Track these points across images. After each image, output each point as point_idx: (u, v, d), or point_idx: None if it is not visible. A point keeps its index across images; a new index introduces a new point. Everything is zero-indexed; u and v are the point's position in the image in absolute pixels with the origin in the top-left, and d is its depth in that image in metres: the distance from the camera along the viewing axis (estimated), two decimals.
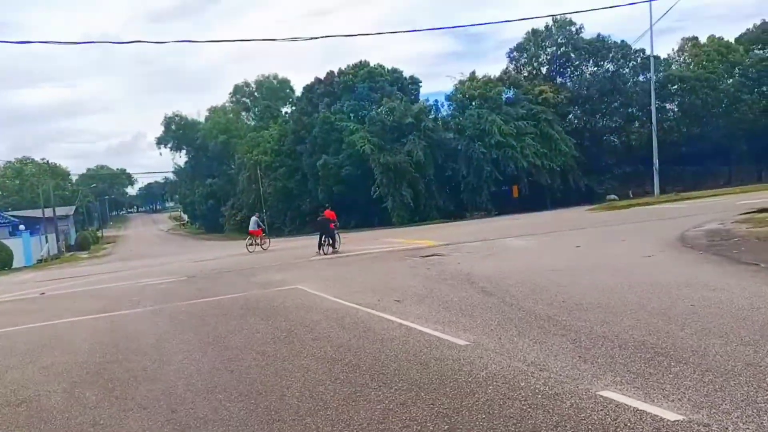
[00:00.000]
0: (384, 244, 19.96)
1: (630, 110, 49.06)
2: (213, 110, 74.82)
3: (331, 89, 49.23)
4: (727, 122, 49.30)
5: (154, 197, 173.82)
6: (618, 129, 48.89)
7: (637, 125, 49.85)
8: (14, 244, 38.25)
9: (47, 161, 51.74)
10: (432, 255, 14.28)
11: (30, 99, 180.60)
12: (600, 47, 47.24)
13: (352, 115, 47.13)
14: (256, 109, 70.43)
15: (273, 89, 72.41)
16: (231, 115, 71.30)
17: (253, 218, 27.44)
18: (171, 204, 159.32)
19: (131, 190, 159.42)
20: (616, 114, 48.89)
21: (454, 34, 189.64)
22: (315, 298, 9.29)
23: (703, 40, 56.13)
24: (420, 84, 50.30)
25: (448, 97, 45.25)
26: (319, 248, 19.79)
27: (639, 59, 48.15)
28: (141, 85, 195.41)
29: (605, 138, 50.00)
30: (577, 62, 49.56)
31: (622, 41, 48.63)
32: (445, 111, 46.43)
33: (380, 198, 44.06)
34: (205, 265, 18.37)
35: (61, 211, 60.17)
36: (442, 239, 19.08)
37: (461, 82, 45.52)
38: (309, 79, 53.94)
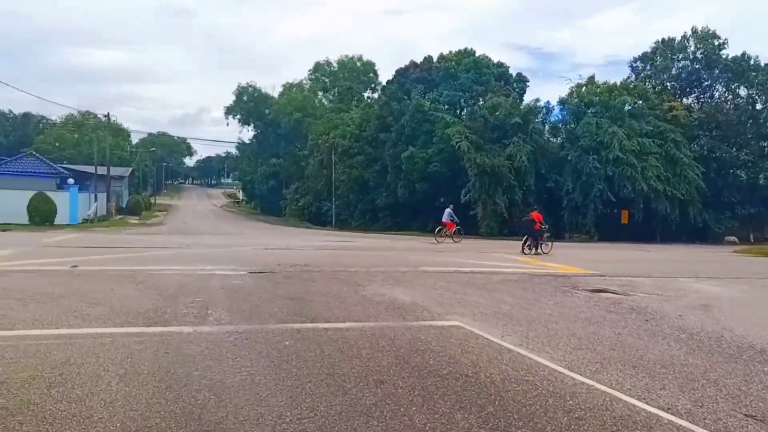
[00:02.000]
0: (506, 262, 16.56)
1: (763, 144, 44.04)
2: (288, 86, 73.22)
3: (428, 76, 46.14)
4: None
5: (210, 171, 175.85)
6: (747, 163, 43.80)
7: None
8: (60, 198, 35.94)
9: (108, 116, 50.13)
10: (600, 290, 10.94)
11: (98, 59, 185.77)
12: (744, 68, 42.34)
13: (448, 106, 43.89)
14: (335, 90, 68.20)
15: (356, 71, 70.07)
16: (308, 93, 69.41)
17: (447, 210, 29.33)
18: (227, 180, 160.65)
19: (189, 161, 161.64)
20: (748, 146, 43.86)
21: (528, 50, 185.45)
22: (507, 356, 5.59)
23: None
24: (527, 83, 46.53)
25: (561, 101, 41.37)
26: (523, 249, 20.77)
27: None
28: (210, 60, 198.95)
29: (732, 171, 45.03)
30: (708, 82, 44.81)
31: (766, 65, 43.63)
32: (554, 116, 42.58)
33: (468, 203, 40.73)
34: (280, 256, 15.08)
35: (116, 171, 59.12)
36: (576, 265, 15.76)
37: (578, 86, 41.62)
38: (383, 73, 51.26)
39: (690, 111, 40.70)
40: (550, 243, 22.04)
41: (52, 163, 43.83)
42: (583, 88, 40.68)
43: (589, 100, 39.27)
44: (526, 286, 11.32)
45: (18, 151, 51.96)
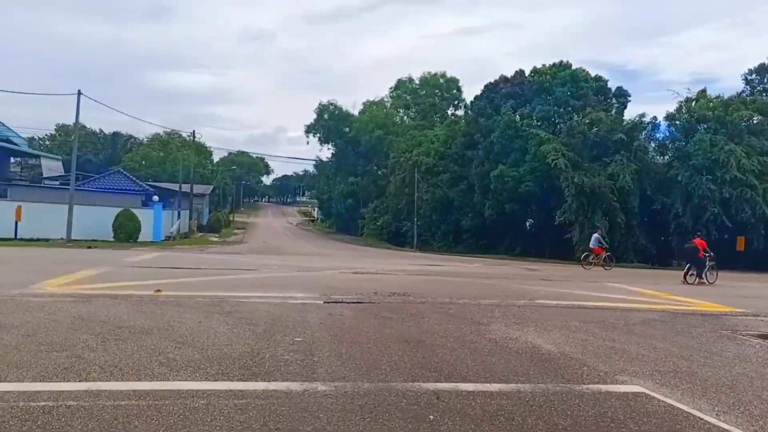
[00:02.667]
0: (627, 294, 14.41)
1: None
2: (369, 104, 73.05)
3: (518, 90, 44.21)
4: None
5: (286, 189, 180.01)
6: None
7: None
8: (144, 216, 36.33)
9: (194, 134, 51.14)
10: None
11: (183, 82, 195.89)
12: None
13: (541, 122, 41.72)
14: (417, 107, 67.24)
15: (438, 87, 68.98)
16: (389, 110, 68.91)
17: (595, 235, 28.33)
18: (303, 198, 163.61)
19: (266, 180, 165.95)
20: None
21: (609, 68, 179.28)
22: None
23: None
24: (629, 98, 43.52)
25: (669, 117, 38.22)
26: (684, 278, 20.55)
27: None
28: (287, 81, 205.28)
29: None
30: None
31: None
32: (660, 133, 39.43)
33: (562, 226, 38.26)
34: (374, 282, 13.67)
35: (198, 189, 60.54)
36: (706, 299, 13.47)
37: (688, 100, 38.41)
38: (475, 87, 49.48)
39: None
40: (715, 272, 21.03)
41: (138, 181, 45.03)
42: (694, 102, 37.40)
43: (702, 116, 36.01)
44: (679, 329, 9.35)
45: (107, 169, 54.09)
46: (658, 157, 38.64)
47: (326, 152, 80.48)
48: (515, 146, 40.31)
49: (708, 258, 20.90)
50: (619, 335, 8.35)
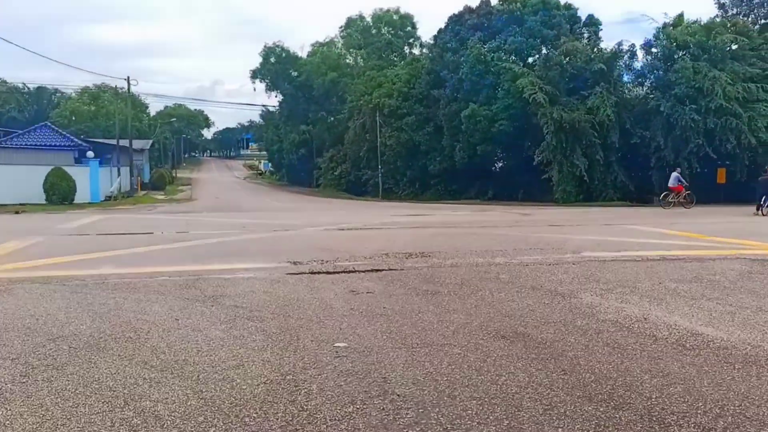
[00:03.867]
0: (666, 239, 12.56)
1: None
2: (318, 46, 68.79)
3: (486, 22, 41.50)
4: None
5: (230, 142, 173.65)
6: None
7: None
8: (79, 174, 32.79)
9: (129, 81, 46.34)
10: None
11: (109, 35, 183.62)
12: None
13: (514, 56, 39.29)
14: (371, 47, 63.50)
15: (393, 25, 65.33)
16: (341, 51, 65.11)
17: (674, 174, 28.11)
18: (248, 151, 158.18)
19: (207, 133, 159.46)
20: None
21: None
22: None
23: None
24: (600, 27, 41.50)
25: (648, 44, 36.35)
26: (758, 209, 21.82)
27: None
28: (223, 33, 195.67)
29: None
30: None
31: None
32: (638, 63, 37.61)
33: (536, 166, 36.59)
34: (372, 240, 11.46)
35: (137, 144, 56.12)
36: (735, 236, 11.84)
37: (665, 26, 36.61)
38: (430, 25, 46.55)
39: None
40: None
41: (69, 136, 40.76)
42: (673, 28, 35.63)
43: (683, 42, 34.33)
44: None
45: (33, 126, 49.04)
46: (637, 88, 37.03)
47: (274, 100, 76.38)
48: (486, 82, 37.97)
49: None
50: (738, 296, 6.31)
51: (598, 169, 35.37)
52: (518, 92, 34.78)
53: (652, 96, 35.17)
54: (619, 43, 36.59)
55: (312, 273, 7.82)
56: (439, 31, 45.13)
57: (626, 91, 36.60)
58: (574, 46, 35.38)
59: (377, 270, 8.05)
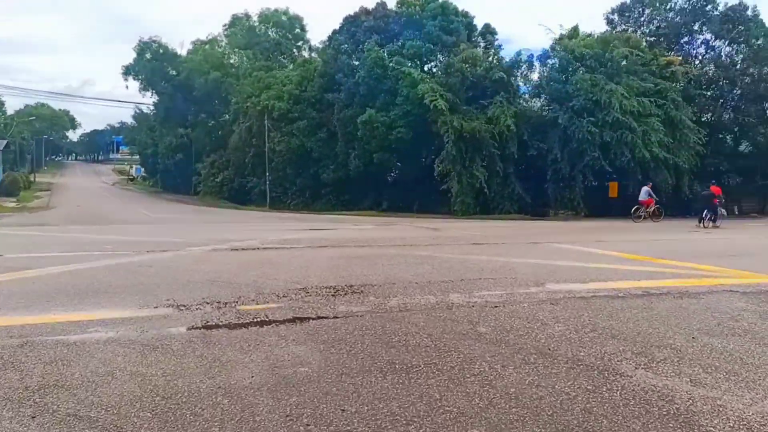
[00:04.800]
0: (619, 263, 11.19)
1: (755, 107, 41.43)
2: (200, 44, 64.19)
3: (384, 24, 39.88)
4: None
5: (99, 145, 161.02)
6: (743, 127, 40.90)
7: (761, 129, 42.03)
8: None
9: None
10: None
11: None
12: (738, 19, 39.10)
13: (411, 62, 37.91)
14: (258, 47, 60.04)
15: (281, 26, 62.32)
16: (225, 50, 61.05)
17: (645, 187, 28.82)
18: (118, 155, 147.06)
19: (72, 135, 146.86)
20: (738, 110, 40.84)
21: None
22: None
23: None
24: (496, 36, 41.31)
25: (545, 56, 36.41)
26: (700, 222, 23.55)
27: None
28: (93, 32, 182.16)
29: (720, 137, 42.31)
30: (698, 35, 41.38)
31: (754, 15, 40.68)
32: (536, 74, 37.61)
33: (432, 177, 35.44)
34: (279, 266, 9.27)
35: None
36: (707, 262, 10.74)
37: (562, 37, 36.91)
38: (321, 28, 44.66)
39: (688, 67, 37.05)
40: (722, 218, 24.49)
41: None
42: (570, 40, 35.96)
43: (580, 54, 34.63)
44: None
45: None
46: (535, 100, 37.00)
47: (149, 100, 70.54)
48: (384, 87, 36.29)
49: (721, 203, 24.54)
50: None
51: (496, 181, 34.76)
52: (418, 98, 33.39)
53: (549, 108, 35.14)
54: (518, 53, 36.44)
55: (207, 327, 5.20)
56: (334, 32, 42.98)
57: (524, 102, 36.42)
58: (473, 53, 34.68)
59: (301, 319, 5.58)
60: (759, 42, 38.98)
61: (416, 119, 34.76)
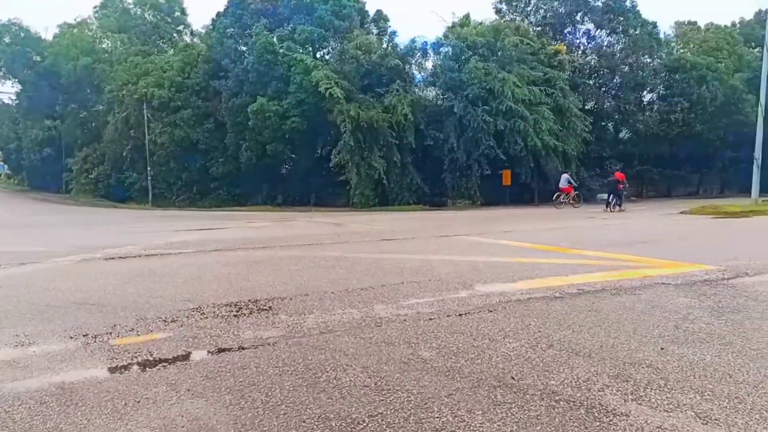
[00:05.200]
0: (539, 256, 10.85)
1: (634, 94, 43.90)
2: (68, 27, 58.69)
3: (271, 7, 38.03)
4: (728, 123, 46.43)
5: None
6: (623, 115, 43.23)
7: (646, 114, 44.71)
8: None
9: None
10: None
11: None
12: (618, 9, 41.06)
13: (306, 46, 36.43)
14: (134, 31, 55.80)
15: (158, 8, 58.29)
16: (96, 34, 56.21)
17: (564, 175, 30.26)
18: None
19: None
20: (617, 98, 43.12)
21: None
22: None
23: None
24: (389, 23, 40.64)
25: (438, 44, 36.23)
26: (607, 206, 25.28)
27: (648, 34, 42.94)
28: None
29: (602, 125, 44.46)
30: (580, 25, 43.13)
31: (632, 6, 42.94)
32: (430, 62, 37.39)
33: (329, 168, 34.44)
34: (166, 279, 7.85)
35: None
36: (612, 249, 10.62)
37: (454, 25, 36.96)
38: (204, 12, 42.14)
39: (573, 56, 38.40)
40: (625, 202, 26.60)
41: None
42: (462, 28, 36.06)
43: (473, 42, 34.80)
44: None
45: None
46: (430, 88, 36.85)
47: (10, 90, 63.87)
48: (276, 74, 34.63)
49: (625, 188, 26.22)
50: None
51: (395, 172, 34.30)
52: (312, 86, 32.13)
53: (445, 96, 35.10)
54: (412, 40, 36.07)
55: (63, 384, 3.91)
56: (218, 14, 40.53)
57: (420, 91, 36.16)
58: (367, 39, 33.90)
59: (198, 355, 4.43)
60: (636, 32, 41.16)
61: (311, 108, 33.48)
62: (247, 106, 34.16)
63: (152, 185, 42.56)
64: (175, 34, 59.13)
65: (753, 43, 51.53)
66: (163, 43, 54.26)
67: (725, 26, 52.81)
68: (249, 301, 6.41)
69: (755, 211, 22.48)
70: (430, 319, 5.60)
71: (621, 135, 46.78)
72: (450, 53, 35.03)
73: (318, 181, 37.15)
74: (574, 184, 30.47)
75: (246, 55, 35.66)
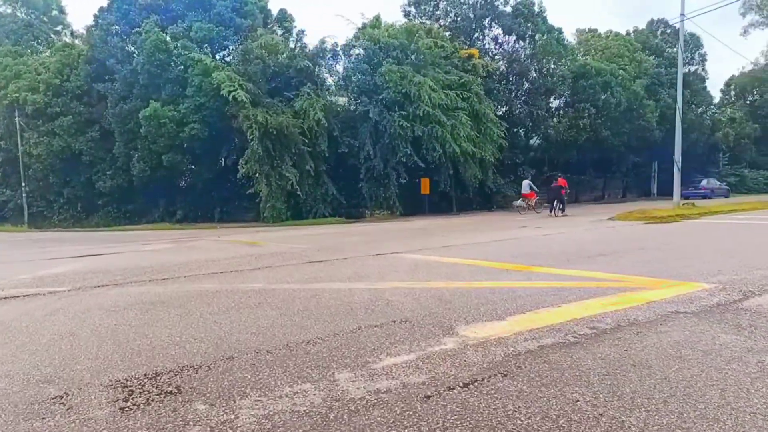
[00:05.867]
0: (513, 278, 9.31)
1: (546, 101, 44.29)
2: None
3: (163, 3, 34.80)
4: (630, 128, 47.98)
5: None
6: (534, 121, 43.39)
7: (555, 120, 45.20)
8: None
9: None
10: None
11: None
12: (527, 14, 41.21)
13: (203, 46, 33.60)
14: (4, 29, 50.29)
15: (33, 7, 53.02)
16: None
17: (526, 181, 30.77)
18: None
19: None
20: (535, 102, 43.22)
21: None
22: None
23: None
24: (294, 24, 38.46)
25: (349, 46, 34.52)
26: (551, 211, 26.87)
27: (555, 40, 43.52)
28: None
29: (515, 131, 44.47)
30: (489, 30, 42.98)
31: (540, 11, 43.40)
32: (341, 65, 35.62)
33: (242, 179, 31.90)
34: (44, 330, 5.74)
35: None
36: (593, 267, 9.34)
37: (364, 26, 35.45)
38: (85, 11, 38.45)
39: (487, 60, 37.98)
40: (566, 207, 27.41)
41: None
42: (375, 29, 34.64)
43: (386, 43, 33.43)
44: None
45: None
46: (342, 92, 35.12)
47: None
48: (170, 76, 31.62)
49: (567, 194, 27.49)
50: None
51: (308, 182, 32.26)
52: (213, 89, 29.53)
53: (358, 101, 33.49)
54: (322, 41, 34.17)
55: None
56: (101, 9, 36.78)
57: (331, 96, 34.36)
58: (273, 39, 31.68)
59: None
60: (544, 37, 41.47)
61: (212, 113, 30.78)
62: (137, 111, 30.93)
63: (28, 203, 38.04)
64: (52, 35, 54.02)
65: (648, 51, 53.79)
66: (38, 43, 49.27)
67: (623, 35, 54.90)
68: (145, 376, 4.34)
69: (682, 215, 22.39)
70: (428, 397, 3.83)
71: (531, 142, 47.16)
72: (362, 55, 33.46)
73: (223, 194, 34.40)
74: (536, 189, 30.91)
75: (135, 54, 32.39)
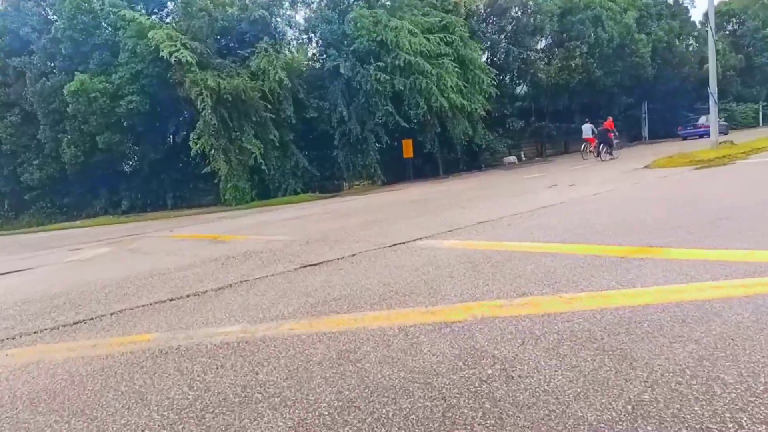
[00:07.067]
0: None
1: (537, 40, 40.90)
2: None
3: None
4: (623, 66, 45.02)
5: None
6: (524, 65, 39.94)
7: (544, 63, 41.86)
8: None
9: None
10: None
11: None
12: None
13: (131, 6, 29.23)
14: None
15: None
16: None
17: (587, 125, 30.37)
18: None
19: None
20: (522, 42, 39.86)
21: None
22: None
23: None
24: None
25: None
26: (597, 154, 27.04)
27: None
28: None
29: (501, 77, 41.04)
30: None
31: None
32: (302, 13, 31.56)
33: (196, 157, 28.00)
34: None
35: None
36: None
37: None
38: None
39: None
40: (619, 149, 27.70)
41: None
42: None
43: None
44: None
45: None
46: (306, 46, 31.17)
47: None
48: (98, 42, 27.32)
49: (616, 136, 27.53)
50: None
51: (274, 155, 28.48)
52: (151, 52, 25.45)
53: (326, 55, 29.60)
54: None
55: None
56: None
57: (293, 52, 30.39)
58: None
59: None
60: None
61: (153, 82, 26.69)
62: (62, 87, 26.61)
63: None
64: None
65: None
66: None
67: None
68: None
69: (728, 155, 19.44)
70: None
71: (518, 90, 43.94)
72: (326, 1, 29.42)
73: (174, 176, 30.48)
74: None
75: (54, 20, 27.87)
